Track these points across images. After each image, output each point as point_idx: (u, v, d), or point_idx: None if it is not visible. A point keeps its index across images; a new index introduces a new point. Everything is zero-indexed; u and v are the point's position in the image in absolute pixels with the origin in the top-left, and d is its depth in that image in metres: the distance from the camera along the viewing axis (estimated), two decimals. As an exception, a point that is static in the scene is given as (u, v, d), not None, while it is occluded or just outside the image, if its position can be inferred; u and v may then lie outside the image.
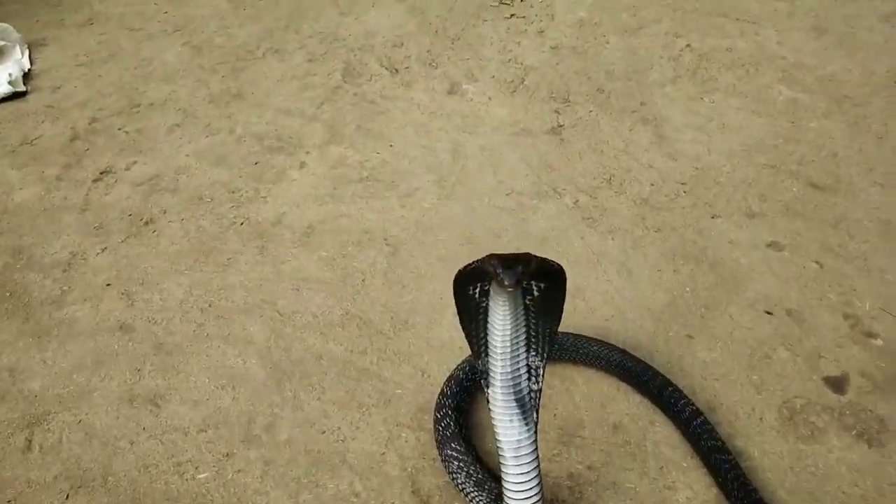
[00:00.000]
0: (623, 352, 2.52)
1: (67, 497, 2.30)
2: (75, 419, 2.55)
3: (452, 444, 2.25)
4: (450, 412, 2.35)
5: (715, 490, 2.21)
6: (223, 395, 2.60)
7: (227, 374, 2.68)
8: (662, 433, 2.37)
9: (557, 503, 2.20)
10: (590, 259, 3.07)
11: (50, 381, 2.69)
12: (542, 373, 1.96)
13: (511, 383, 1.92)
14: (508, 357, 1.92)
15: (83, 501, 2.28)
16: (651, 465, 2.29)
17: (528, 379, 1.95)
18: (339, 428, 2.46)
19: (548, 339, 1.96)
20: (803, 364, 2.57)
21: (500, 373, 1.92)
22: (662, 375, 2.44)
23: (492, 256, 1.85)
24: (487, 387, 1.95)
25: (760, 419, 2.40)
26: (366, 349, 2.74)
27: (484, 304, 1.93)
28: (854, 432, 2.34)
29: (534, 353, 1.95)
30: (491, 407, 1.94)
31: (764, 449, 2.32)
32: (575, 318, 2.80)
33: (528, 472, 1.92)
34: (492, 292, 1.88)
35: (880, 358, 2.57)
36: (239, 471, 2.35)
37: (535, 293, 1.92)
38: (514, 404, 1.92)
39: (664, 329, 2.73)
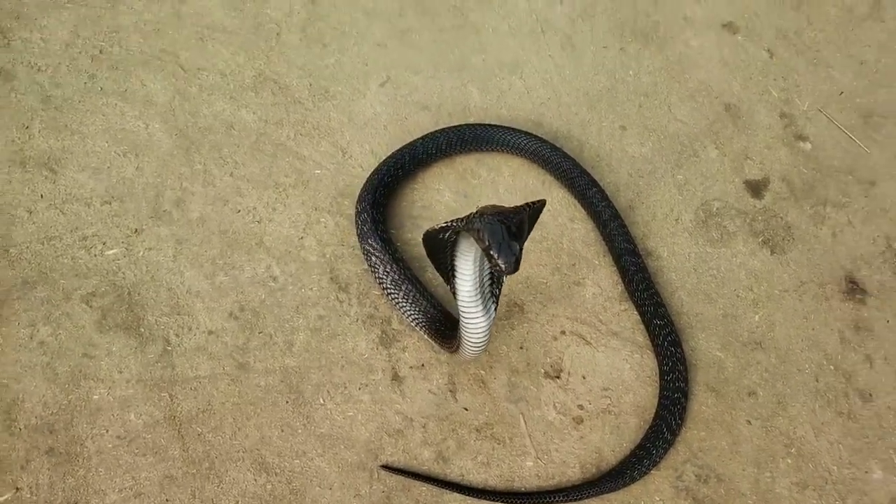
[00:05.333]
0: (553, 147, 2.42)
1: (-33, 268, 2.20)
2: (-39, 181, 2.34)
3: (370, 240, 2.22)
4: (368, 207, 2.27)
5: (620, 287, 2.32)
6: (126, 163, 2.41)
7: (128, 139, 2.45)
8: (580, 230, 2.40)
9: (471, 295, 2.27)
10: (533, 28, 2.78)
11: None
12: (504, 280, 1.87)
13: (478, 294, 1.82)
14: (478, 278, 1.79)
15: (-15, 274, 2.19)
16: (564, 262, 2.35)
17: (492, 285, 1.85)
18: (255, 208, 2.37)
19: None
20: (729, 165, 2.56)
21: (469, 290, 1.80)
22: (589, 174, 2.39)
23: (482, 216, 1.58)
24: (455, 294, 1.83)
25: (676, 220, 2.45)
26: (282, 120, 2.53)
27: (453, 239, 1.73)
28: (761, 238, 2.44)
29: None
30: (458, 305, 1.85)
31: (674, 250, 2.40)
32: (509, 98, 2.63)
33: (484, 337, 1.93)
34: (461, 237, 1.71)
35: (805, 163, 2.58)
36: (150, 248, 2.28)
37: (528, 209, 1.72)
38: (480, 303, 1.83)
39: (599, 118, 2.61)
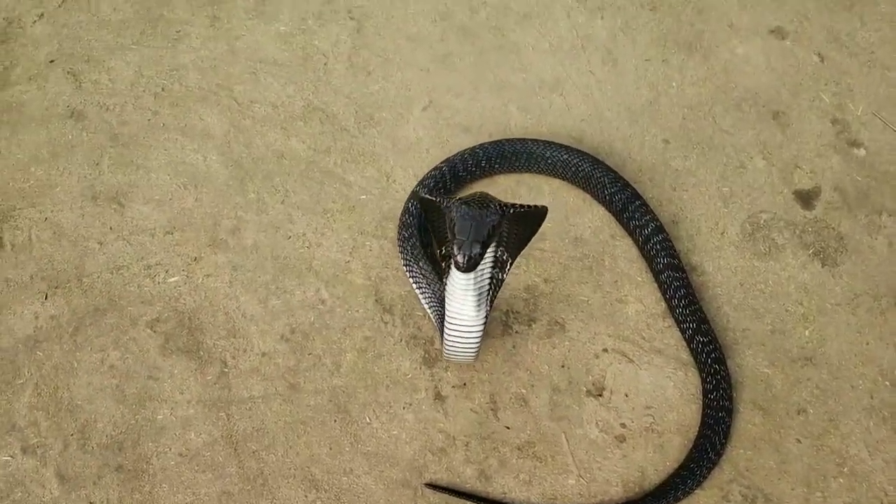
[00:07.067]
0: (594, 161, 2.42)
1: (46, 297, 2.39)
2: (41, 216, 2.54)
3: (420, 263, 2.28)
4: (414, 231, 2.33)
5: (663, 304, 2.30)
6: (186, 195, 2.57)
7: (188, 171, 2.61)
8: (622, 247, 2.40)
9: (512, 314, 2.31)
10: (574, 44, 2.79)
11: (9, 175, 2.63)
12: (509, 266, 1.88)
13: (473, 283, 1.82)
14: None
15: (61, 302, 2.38)
16: (606, 279, 2.35)
17: (493, 268, 1.86)
18: (305, 234, 2.48)
19: (522, 243, 1.86)
20: (777, 175, 2.50)
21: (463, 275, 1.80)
22: (630, 188, 2.38)
23: (460, 207, 1.66)
24: (447, 270, 1.84)
25: (722, 234, 2.42)
26: (329, 148, 2.63)
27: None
28: (811, 251, 2.37)
29: (502, 249, 1.86)
30: (447, 287, 1.86)
31: (719, 265, 2.37)
32: (550, 116, 2.65)
33: (470, 342, 1.94)
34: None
35: (859, 170, 2.49)
36: (208, 275, 2.42)
37: (511, 212, 1.76)
38: (472, 291, 1.84)
39: (641, 132, 2.60)
